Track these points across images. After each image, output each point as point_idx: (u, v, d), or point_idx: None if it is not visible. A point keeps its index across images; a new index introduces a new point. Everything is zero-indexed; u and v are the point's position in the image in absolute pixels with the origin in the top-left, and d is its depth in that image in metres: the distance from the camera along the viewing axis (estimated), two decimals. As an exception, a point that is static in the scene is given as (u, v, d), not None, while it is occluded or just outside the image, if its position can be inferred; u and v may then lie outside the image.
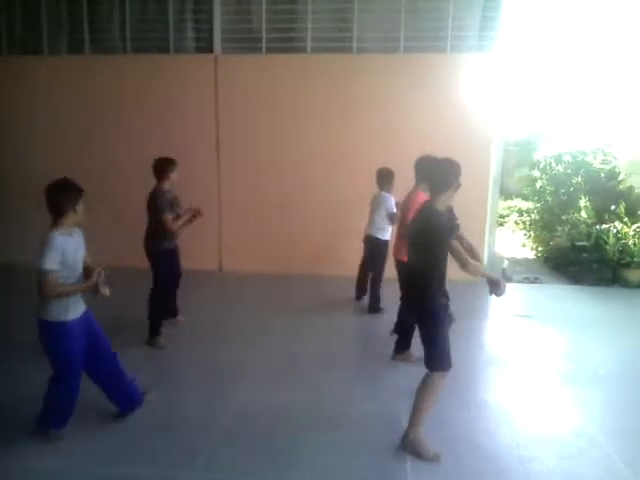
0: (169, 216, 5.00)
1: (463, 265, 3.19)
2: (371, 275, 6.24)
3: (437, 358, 3.29)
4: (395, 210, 5.69)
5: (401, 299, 4.80)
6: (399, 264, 4.91)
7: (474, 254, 3.50)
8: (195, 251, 7.55)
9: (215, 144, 7.88)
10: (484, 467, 3.28)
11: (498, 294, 3.36)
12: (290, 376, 4.56)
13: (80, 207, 3.37)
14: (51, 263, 3.14)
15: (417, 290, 3.39)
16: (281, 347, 5.21)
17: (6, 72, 8.05)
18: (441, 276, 3.32)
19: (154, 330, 5.13)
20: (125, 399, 3.78)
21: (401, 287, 4.71)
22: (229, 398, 4.14)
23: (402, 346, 4.84)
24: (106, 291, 3.31)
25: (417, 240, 3.38)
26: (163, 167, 5.07)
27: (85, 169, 7.53)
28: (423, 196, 4.39)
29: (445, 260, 3.29)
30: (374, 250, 6.06)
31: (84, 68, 7.95)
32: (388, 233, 6.00)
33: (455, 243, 3.28)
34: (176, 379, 4.52)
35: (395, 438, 3.53)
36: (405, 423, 3.56)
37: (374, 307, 6.14)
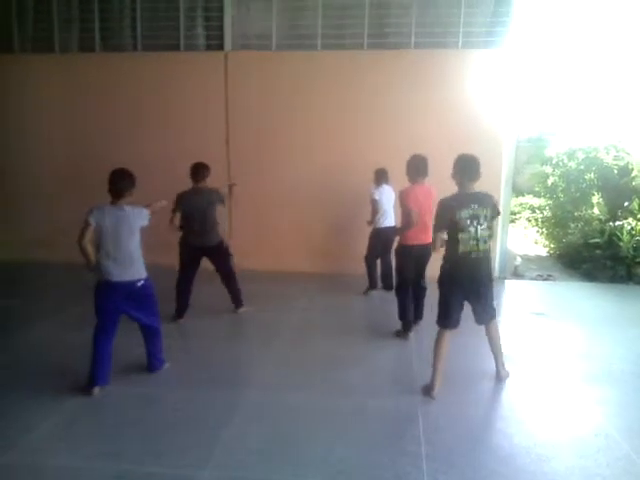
0: None
1: None
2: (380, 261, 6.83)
3: None
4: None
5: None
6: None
7: None
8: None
9: (225, 141, 7.87)
10: (500, 466, 3.24)
11: None
12: (303, 374, 4.54)
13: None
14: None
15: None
16: (293, 345, 5.19)
17: (18, 70, 8.10)
18: None
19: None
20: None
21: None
22: (242, 396, 4.12)
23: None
24: None
25: None
26: (207, 170, 5.67)
27: (93, 167, 7.52)
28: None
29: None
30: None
31: (95, 66, 7.98)
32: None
33: None
34: (187, 377, 4.51)
35: (412, 435, 3.50)
36: (422, 419, 3.55)
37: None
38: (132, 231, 4.01)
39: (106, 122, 7.99)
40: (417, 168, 5.09)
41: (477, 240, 3.95)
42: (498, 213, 4.12)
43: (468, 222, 3.92)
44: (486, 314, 4.21)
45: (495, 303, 4.29)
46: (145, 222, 4.09)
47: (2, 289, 7.03)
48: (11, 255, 8.11)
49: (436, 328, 4.17)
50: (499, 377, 4.41)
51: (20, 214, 8.33)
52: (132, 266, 4.02)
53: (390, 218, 6.53)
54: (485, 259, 4.05)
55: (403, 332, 5.32)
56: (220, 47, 7.89)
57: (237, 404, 3.99)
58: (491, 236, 4.03)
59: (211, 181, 7.81)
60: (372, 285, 6.90)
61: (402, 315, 5.36)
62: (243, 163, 7.87)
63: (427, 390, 4.10)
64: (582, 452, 3.42)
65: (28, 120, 8.16)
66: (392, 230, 6.24)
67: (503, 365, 4.43)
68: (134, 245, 4.03)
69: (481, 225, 3.94)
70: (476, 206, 3.93)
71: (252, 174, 7.86)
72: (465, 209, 3.91)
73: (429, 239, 4.68)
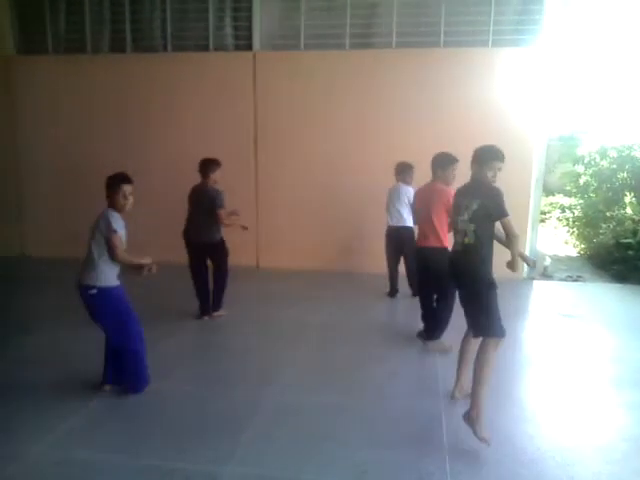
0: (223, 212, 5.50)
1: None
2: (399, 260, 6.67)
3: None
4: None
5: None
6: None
7: None
8: (232, 247, 7.65)
9: (253, 141, 7.93)
10: (524, 469, 3.21)
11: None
12: (327, 373, 4.56)
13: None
14: None
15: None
16: (316, 345, 5.22)
17: (51, 70, 8.28)
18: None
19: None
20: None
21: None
22: (265, 394, 4.16)
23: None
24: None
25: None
26: (210, 166, 5.52)
27: (120, 166, 7.63)
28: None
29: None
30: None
31: (126, 66, 8.12)
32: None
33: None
34: (209, 374, 4.57)
35: (435, 437, 3.50)
36: (445, 420, 3.53)
37: None
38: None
39: (135, 122, 8.12)
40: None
41: (457, 232, 3.67)
42: (497, 213, 3.45)
43: (455, 212, 3.73)
44: (470, 325, 3.69)
45: (487, 320, 3.44)
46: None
47: (38, 286, 7.21)
48: (43, 252, 8.37)
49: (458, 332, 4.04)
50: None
51: (51, 211, 8.54)
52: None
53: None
54: (463, 255, 3.60)
55: (426, 333, 5.25)
56: (249, 47, 7.95)
57: (261, 402, 4.03)
58: (476, 232, 3.48)
59: (240, 179, 7.91)
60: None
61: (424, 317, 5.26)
62: (271, 163, 7.93)
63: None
64: (609, 457, 3.37)
65: (60, 119, 8.33)
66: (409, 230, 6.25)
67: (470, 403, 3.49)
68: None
69: (461, 216, 3.59)
70: (462, 197, 3.65)
71: (279, 174, 7.92)
72: (457, 198, 3.75)
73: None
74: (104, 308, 3.79)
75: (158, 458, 3.32)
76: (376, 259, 7.21)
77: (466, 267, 3.57)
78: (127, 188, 3.78)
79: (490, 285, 3.46)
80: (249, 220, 7.87)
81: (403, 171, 6.41)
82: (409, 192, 6.22)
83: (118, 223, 3.71)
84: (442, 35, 7.49)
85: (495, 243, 3.59)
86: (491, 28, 7.40)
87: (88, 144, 8.30)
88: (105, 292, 3.76)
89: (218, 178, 5.58)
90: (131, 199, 3.79)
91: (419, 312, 5.29)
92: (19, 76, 8.35)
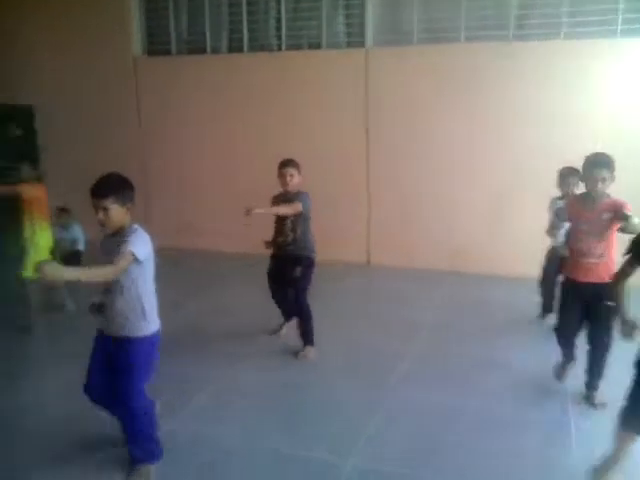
0: None
1: None
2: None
3: None
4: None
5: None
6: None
7: None
8: (341, 242, 7.78)
9: (365, 136, 7.96)
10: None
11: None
12: (445, 374, 4.57)
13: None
14: None
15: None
16: (431, 344, 5.22)
17: (175, 71, 8.74)
18: None
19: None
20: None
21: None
22: (385, 390, 4.25)
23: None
24: None
25: None
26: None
27: (246, 166, 8.01)
28: None
29: None
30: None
31: (243, 66, 8.42)
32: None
33: None
34: (329, 367, 4.71)
35: (568, 453, 3.41)
36: (575, 430, 3.48)
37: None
38: None
39: (254, 119, 8.37)
40: None
41: None
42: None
43: None
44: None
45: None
46: None
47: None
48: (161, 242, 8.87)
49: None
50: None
51: (168, 203, 9.06)
52: None
53: None
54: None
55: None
56: (361, 44, 7.98)
57: (380, 398, 4.13)
58: None
59: (351, 175, 7.97)
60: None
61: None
62: (383, 158, 7.91)
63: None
64: None
65: (188, 118, 8.71)
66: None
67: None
68: None
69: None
70: None
71: (393, 170, 7.87)
72: None
73: None
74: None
75: (279, 443, 3.54)
76: (491, 261, 7.04)
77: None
78: None
79: None
80: (360, 214, 8.04)
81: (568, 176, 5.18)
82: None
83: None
84: (563, 26, 7.12)
85: None
86: (620, 16, 6.93)
87: (210, 144, 8.68)
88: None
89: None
90: None
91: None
92: (145, 77, 8.89)
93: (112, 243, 3.12)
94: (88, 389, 3.32)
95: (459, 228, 7.64)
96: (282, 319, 5.43)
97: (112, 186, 3.08)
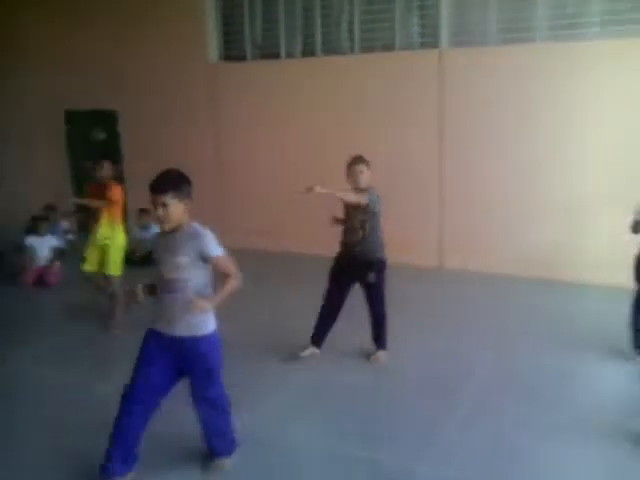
0: None
1: None
2: None
3: None
4: None
5: None
6: None
7: None
8: (412, 245, 7.71)
9: (437, 136, 7.88)
10: None
11: None
12: (525, 385, 4.49)
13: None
14: None
15: None
16: (508, 353, 5.10)
17: (250, 76, 8.96)
18: None
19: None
20: None
21: None
22: (459, 396, 4.24)
23: None
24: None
25: None
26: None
27: (323, 168, 8.04)
28: None
29: None
30: None
31: (317, 69, 8.54)
32: None
33: None
34: (399, 369, 4.70)
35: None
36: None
37: None
38: None
39: (327, 124, 8.45)
40: None
41: None
42: None
43: None
44: None
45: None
46: None
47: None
48: (234, 243, 9.07)
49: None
50: None
51: (243, 206, 9.27)
52: None
53: None
54: None
55: None
56: (435, 44, 7.91)
57: (455, 403, 4.09)
58: None
59: (423, 177, 7.89)
60: None
61: None
62: (457, 163, 7.82)
63: None
64: None
65: (264, 122, 8.85)
66: None
67: None
68: None
69: None
70: None
71: (467, 177, 7.78)
72: None
73: None
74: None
75: (352, 446, 3.57)
76: (575, 268, 6.83)
77: None
78: None
79: None
80: (431, 216, 7.98)
81: None
82: None
83: None
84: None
85: None
86: None
87: (285, 148, 8.82)
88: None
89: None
90: None
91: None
92: (222, 82, 9.15)
93: (172, 240, 3.09)
94: (135, 390, 3.17)
95: (539, 231, 7.36)
96: (310, 341, 5.08)
97: (171, 182, 3.06)
